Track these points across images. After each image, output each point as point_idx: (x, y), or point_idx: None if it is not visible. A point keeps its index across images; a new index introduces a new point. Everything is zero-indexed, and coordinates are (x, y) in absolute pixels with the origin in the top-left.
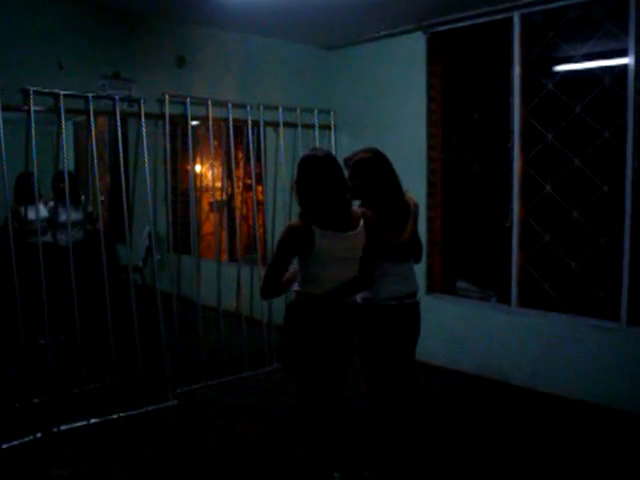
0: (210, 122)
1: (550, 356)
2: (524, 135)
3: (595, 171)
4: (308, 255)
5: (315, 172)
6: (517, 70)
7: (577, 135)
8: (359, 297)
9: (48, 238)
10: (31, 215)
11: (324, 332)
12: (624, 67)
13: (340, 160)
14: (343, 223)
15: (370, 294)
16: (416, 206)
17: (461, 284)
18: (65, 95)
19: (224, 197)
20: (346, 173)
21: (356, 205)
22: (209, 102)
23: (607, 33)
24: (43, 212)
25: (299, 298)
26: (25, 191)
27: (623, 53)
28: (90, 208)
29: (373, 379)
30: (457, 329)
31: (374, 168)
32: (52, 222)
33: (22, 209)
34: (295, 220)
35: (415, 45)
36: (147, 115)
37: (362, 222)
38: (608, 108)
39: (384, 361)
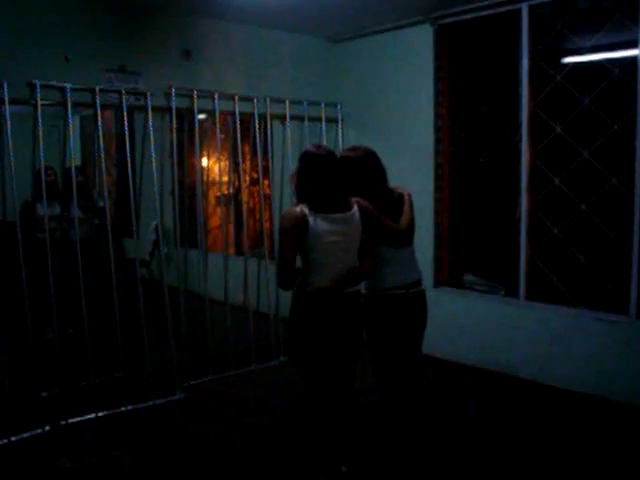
0: (217, 115)
1: (558, 350)
2: (532, 127)
3: (604, 164)
4: (304, 239)
5: (317, 170)
6: (525, 62)
7: (586, 128)
8: (363, 287)
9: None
10: (42, 211)
11: (327, 323)
12: (634, 59)
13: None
14: (335, 206)
15: (375, 283)
16: (409, 194)
17: (469, 277)
18: (72, 88)
19: (231, 191)
20: None
21: None
22: (216, 95)
23: (617, 24)
24: (58, 209)
25: (301, 290)
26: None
27: (633, 45)
28: (101, 203)
29: (381, 371)
30: (464, 322)
31: (358, 168)
32: (62, 218)
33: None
34: (290, 207)
35: (423, 37)
36: (154, 108)
37: (356, 207)
38: (617, 100)
39: (392, 352)
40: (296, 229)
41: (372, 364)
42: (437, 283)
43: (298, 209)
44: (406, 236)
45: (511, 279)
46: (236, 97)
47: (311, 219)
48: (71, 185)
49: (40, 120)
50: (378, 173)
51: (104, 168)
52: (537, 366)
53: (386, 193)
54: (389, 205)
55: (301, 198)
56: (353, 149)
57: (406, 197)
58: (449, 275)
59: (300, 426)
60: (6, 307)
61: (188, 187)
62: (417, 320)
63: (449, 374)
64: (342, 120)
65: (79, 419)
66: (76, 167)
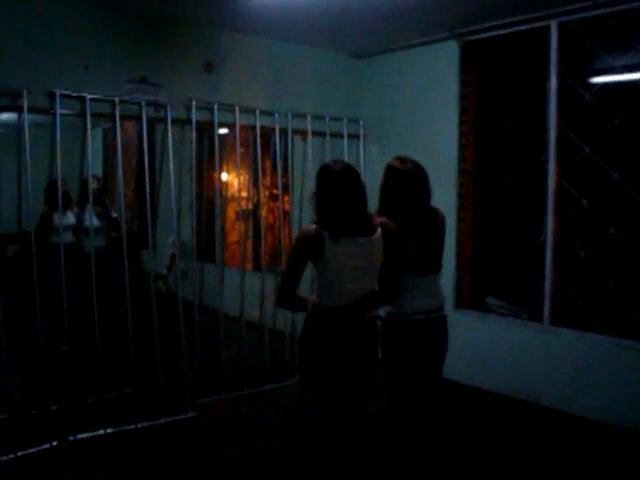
0: (237, 129)
1: (584, 377)
2: (560, 147)
3: (634, 186)
4: (319, 261)
5: (333, 186)
6: (554, 80)
7: (616, 148)
8: (383, 311)
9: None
10: (57, 221)
11: (339, 346)
12: None
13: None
14: (357, 229)
15: (394, 308)
16: (444, 219)
17: (491, 300)
18: (91, 98)
19: (250, 206)
20: None
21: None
22: (236, 109)
23: None
24: (71, 218)
25: (315, 310)
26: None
27: None
28: (114, 213)
29: (397, 396)
30: (486, 347)
31: (405, 182)
32: (77, 228)
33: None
34: (307, 225)
35: (448, 54)
36: (174, 121)
37: (379, 230)
38: None
39: (409, 378)
40: (308, 250)
41: (388, 389)
42: (458, 305)
43: (314, 228)
44: (432, 266)
45: (535, 303)
46: (257, 111)
47: (328, 243)
48: (87, 193)
49: (59, 130)
50: (424, 190)
51: (122, 180)
52: (560, 394)
53: (427, 212)
54: (425, 225)
55: (321, 219)
56: (402, 161)
57: (441, 221)
58: (470, 297)
59: (314, 449)
60: (21, 317)
61: (207, 201)
62: (436, 346)
63: (468, 399)
64: (364, 136)
65: (87, 435)
66: (92, 175)
